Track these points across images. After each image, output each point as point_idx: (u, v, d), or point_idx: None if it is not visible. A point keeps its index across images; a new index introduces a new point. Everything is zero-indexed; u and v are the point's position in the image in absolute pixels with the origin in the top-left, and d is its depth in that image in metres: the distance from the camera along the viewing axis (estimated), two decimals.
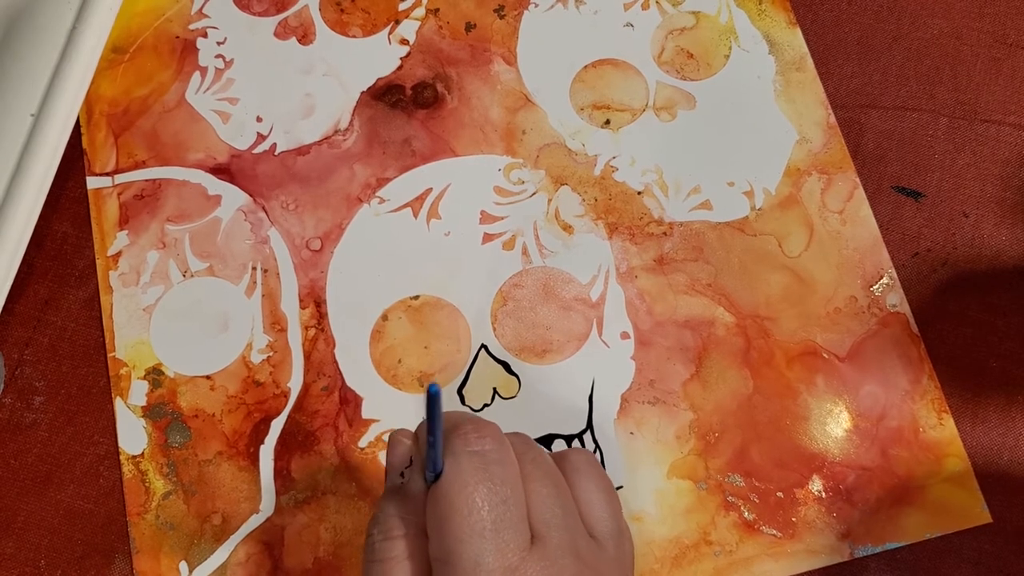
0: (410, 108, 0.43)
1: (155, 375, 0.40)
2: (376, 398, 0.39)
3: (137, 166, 0.43)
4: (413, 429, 0.30)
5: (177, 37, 0.45)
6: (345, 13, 0.45)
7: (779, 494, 0.38)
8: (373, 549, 0.27)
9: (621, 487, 0.38)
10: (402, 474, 0.29)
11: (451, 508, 0.26)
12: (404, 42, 0.44)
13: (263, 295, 0.41)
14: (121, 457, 0.39)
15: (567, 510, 0.28)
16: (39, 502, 0.38)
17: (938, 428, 0.38)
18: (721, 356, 0.39)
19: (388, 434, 0.38)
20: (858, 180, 0.42)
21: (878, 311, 0.40)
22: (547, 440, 0.38)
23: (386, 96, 0.44)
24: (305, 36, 0.45)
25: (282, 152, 0.43)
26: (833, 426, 0.38)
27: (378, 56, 0.44)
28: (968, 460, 0.38)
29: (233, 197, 0.42)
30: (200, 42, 0.45)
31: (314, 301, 0.41)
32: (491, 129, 0.43)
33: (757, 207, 0.41)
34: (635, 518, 0.37)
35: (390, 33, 0.45)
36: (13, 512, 0.38)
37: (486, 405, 0.39)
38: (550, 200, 0.42)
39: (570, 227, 0.41)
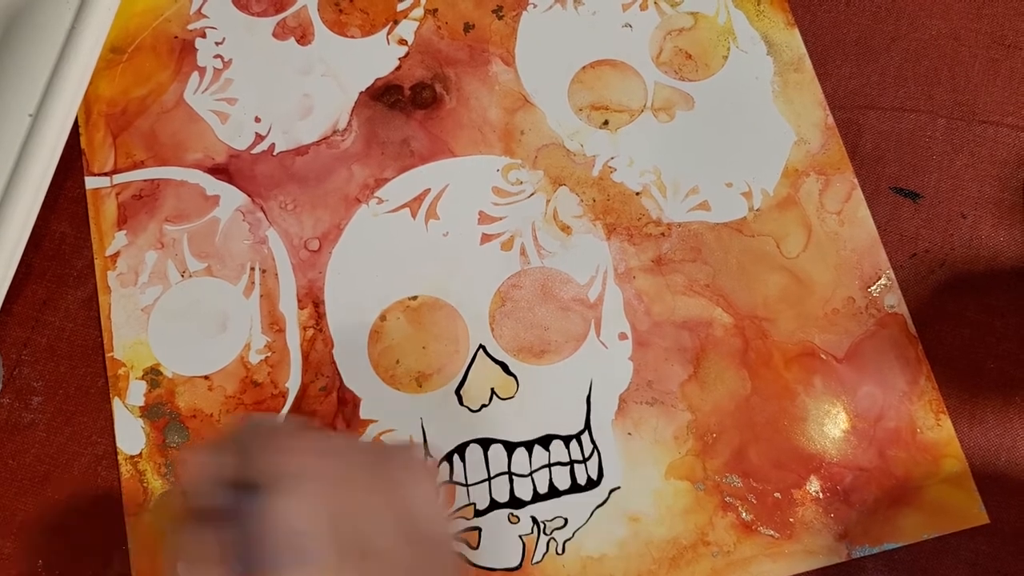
0: (408, 108, 0.43)
1: (153, 375, 0.40)
2: (374, 398, 0.39)
3: (135, 166, 0.43)
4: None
5: (176, 37, 0.45)
6: (343, 13, 0.45)
7: (777, 495, 0.38)
8: None
9: (619, 488, 0.38)
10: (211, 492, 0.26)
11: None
12: (402, 42, 0.44)
13: (261, 295, 0.41)
14: (119, 457, 0.39)
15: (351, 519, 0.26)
16: (37, 502, 0.38)
17: (936, 429, 0.38)
18: (719, 357, 0.39)
19: (386, 434, 0.39)
20: (856, 181, 0.42)
21: (876, 312, 0.40)
22: (545, 441, 0.38)
23: (384, 96, 0.44)
24: (304, 36, 0.45)
25: (280, 152, 0.43)
26: (831, 427, 0.38)
27: (376, 56, 0.44)
28: (965, 461, 0.38)
29: (231, 197, 0.42)
30: (199, 42, 0.45)
31: (312, 301, 0.41)
32: (489, 130, 0.43)
33: (755, 208, 0.41)
34: (633, 519, 0.37)
35: (388, 33, 0.45)
36: (11, 512, 0.38)
37: (484, 406, 0.39)
38: (548, 201, 0.42)
39: (568, 228, 0.41)
